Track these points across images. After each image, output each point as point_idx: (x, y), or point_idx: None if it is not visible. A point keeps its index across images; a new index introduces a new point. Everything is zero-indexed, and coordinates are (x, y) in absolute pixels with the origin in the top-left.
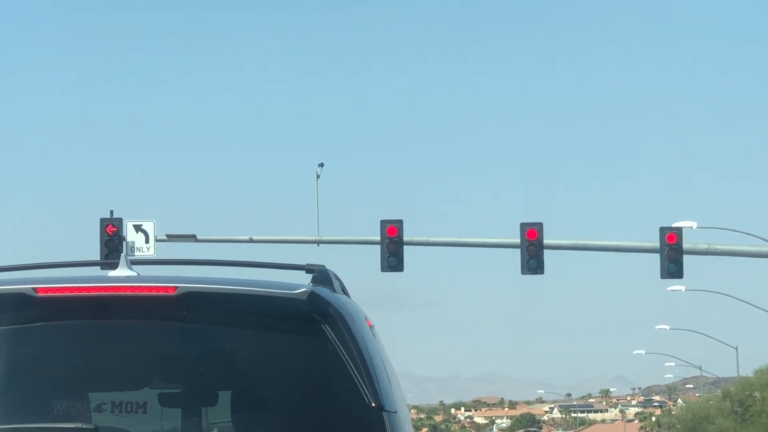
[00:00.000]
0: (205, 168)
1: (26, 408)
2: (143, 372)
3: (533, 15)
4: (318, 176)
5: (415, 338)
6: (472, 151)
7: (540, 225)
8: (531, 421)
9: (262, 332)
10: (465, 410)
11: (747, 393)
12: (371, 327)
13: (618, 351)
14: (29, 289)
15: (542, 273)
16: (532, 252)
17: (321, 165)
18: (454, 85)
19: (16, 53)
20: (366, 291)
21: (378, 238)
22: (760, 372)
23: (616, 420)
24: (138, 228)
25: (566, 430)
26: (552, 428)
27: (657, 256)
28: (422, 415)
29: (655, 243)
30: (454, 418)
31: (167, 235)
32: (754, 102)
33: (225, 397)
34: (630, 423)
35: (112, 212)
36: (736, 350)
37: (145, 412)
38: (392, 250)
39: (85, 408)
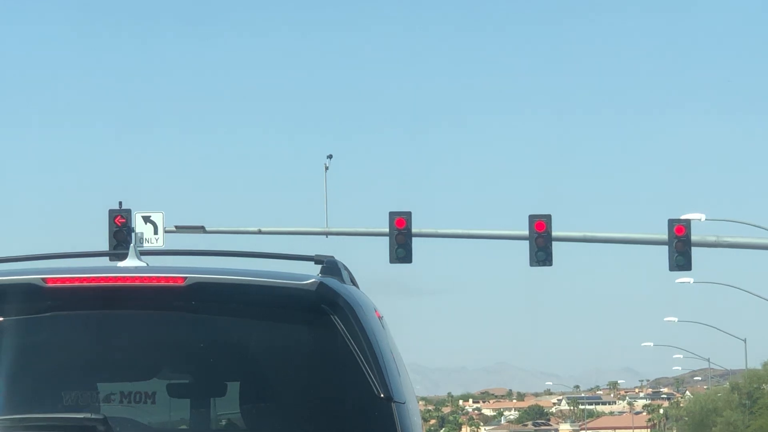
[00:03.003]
0: (214, 159)
1: (35, 398)
2: (152, 362)
3: (543, 7)
4: (327, 168)
5: (424, 330)
6: (481, 142)
7: (548, 217)
8: (539, 413)
9: (270, 323)
10: (473, 402)
11: (755, 385)
12: (380, 318)
13: (626, 343)
14: (38, 279)
15: (551, 265)
16: (541, 244)
17: (330, 156)
18: (464, 77)
19: (23, 43)
20: (375, 282)
21: (387, 230)
22: None
23: (624, 412)
24: (147, 219)
25: (574, 422)
26: (560, 420)
27: (665, 248)
28: (430, 407)
29: (664, 235)
30: (462, 409)
31: (176, 227)
32: (763, 93)
33: (233, 387)
34: (638, 415)
35: (120, 203)
36: (745, 342)
37: (153, 402)
38: (401, 241)
39: (93, 398)
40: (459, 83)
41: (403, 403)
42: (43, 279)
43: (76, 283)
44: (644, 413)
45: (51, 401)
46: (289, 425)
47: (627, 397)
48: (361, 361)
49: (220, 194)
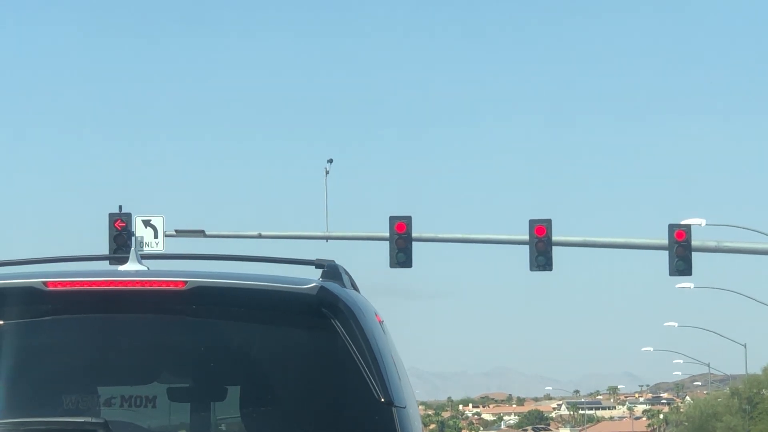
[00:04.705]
0: (215, 163)
1: (36, 402)
2: (152, 366)
3: (542, 10)
4: (327, 172)
5: (424, 334)
6: (482, 147)
7: (549, 221)
8: (539, 417)
9: (271, 327)
10: (473, 406)
11: (755, 390)
12: (381, 322)
13: (626, 348)
14: (39, 282)
15: (551, 269)
16: (541, 248)
17: (330, 161)
18: (464, 82)
19: (24, 46)
20: (375, 286)
21: (387, 234)
22: None
23: (624, 417)
24: (147, 223)
25: (574, 427)
26: (560, 425)
27: (666, 253)
28: (430, 412)
29: (664, 240)
30: (462, 414)
31: (176, 231)
32: (763, 97)
33: (234, 392)
34: (638, 420)
35: (120, 207)
36: (745, 348)
37: (154, 406)
38: (401, 246)
39: (94, 402)
40: (459, 88)
41: (404, 408)
42: (43, 282)
43: (77, 287)
44: (644, 418)
45: (52, 405)
46: (290, 429)
47: (627, 402)
48: (362, 365)
49: (220, 198)
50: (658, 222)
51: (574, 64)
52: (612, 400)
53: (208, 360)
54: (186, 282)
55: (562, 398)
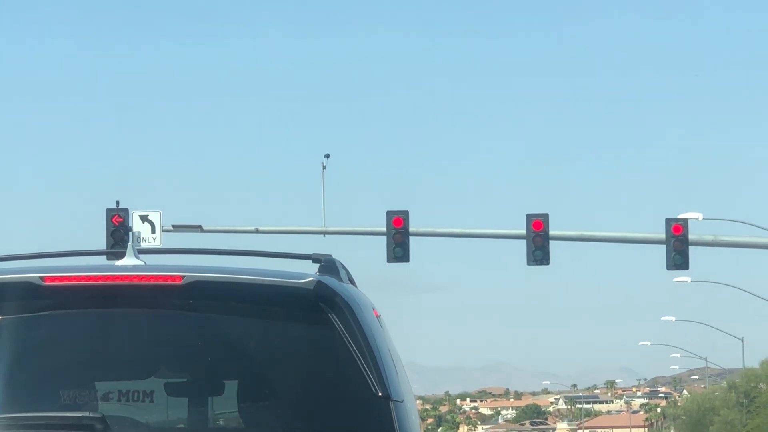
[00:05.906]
0: (212, 159)
1: (33, 397)
2: (150, 361)
3: (541, 7)
4: (324, 167)
5: (422, 328)
6: (479, 141)
7: (546, 216)
8: (536, 412)
9: (268, 321)
10: (470, 401)
11: (752, 384)
12: (378, 317)
13: (624, 342)
14: (36, 278)
15: (548, 264)
16: (538, 243)
17: (327, 156)
18: (461, 76)
19: (21, 43)
20: (372, 281)
21: (384, 229)
22: (765, 363)
23: (622, 411)
24: (144, 218)
25: (571, 421)
26: (557, 419)
27: (663, 247)
28: (428, 406)
29: (661, 234)
30: (460, 408)
31: (173, 226)
32: (761, 93)
33: (231, 386)
34: (635, 414)
35: (118, 203)
36: (742, 341)
37: (151, 401)
38: (398, 240)
39: (91, 397)
40: (457, 82)
41: (401, 402)
42: (41, 278)
43: (74, 282)
44: (641, 412)
45: (49, 400)
46: (287, 424)
47: (624, 396)
48: (359, 359)
49: (217, 193)
50: (656, 216)
51: (572, 59)
52: (609, 394)
53: (206, 355)
54: (183, 276)
55: (559, 392)
